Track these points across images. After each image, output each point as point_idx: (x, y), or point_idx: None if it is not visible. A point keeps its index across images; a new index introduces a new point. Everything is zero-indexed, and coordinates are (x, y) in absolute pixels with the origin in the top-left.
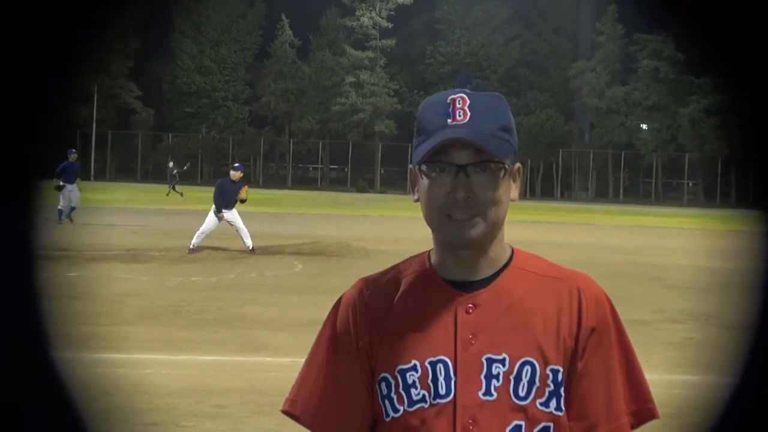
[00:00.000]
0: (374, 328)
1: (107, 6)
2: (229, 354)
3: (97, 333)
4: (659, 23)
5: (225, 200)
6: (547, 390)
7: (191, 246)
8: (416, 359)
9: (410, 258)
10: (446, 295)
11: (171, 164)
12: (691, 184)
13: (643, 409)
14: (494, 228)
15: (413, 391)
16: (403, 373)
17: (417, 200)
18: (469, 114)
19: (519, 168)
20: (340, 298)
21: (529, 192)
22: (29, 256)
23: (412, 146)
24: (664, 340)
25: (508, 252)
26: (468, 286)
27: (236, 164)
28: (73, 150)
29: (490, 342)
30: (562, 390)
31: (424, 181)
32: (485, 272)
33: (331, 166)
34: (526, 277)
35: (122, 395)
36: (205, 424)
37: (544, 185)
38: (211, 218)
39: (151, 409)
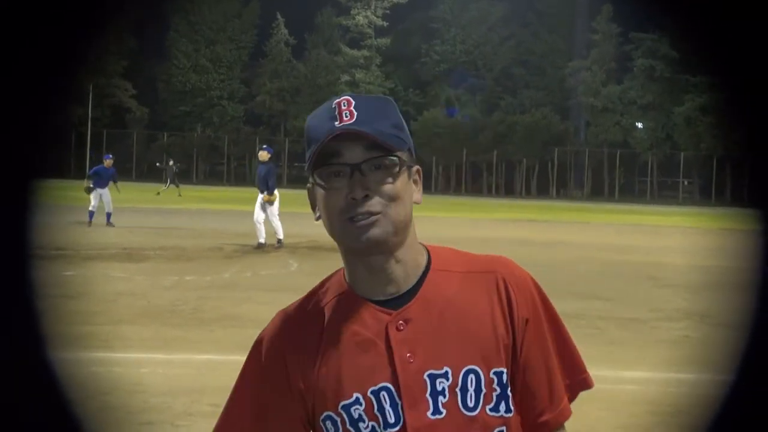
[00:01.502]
0: (306, 366)
1: (105, 5)
2: (224, 353)
3: (93, 332)
4: (654, 22)
5: (261, 182)
6: (494, 394)
7: (277, 241)
8: (357, 392)
9: (326, 280)
10: (373, 316)
11: (171, 162)
12: (686, 183)
13: (577, 381)
14: (398, 227)
15: (362, 425)
16: (347, 408)
17: (318, 218)
18: (356, 114)
19: (418, 170)
20: (260, 337)
21: (525, 190)
22: (26, 256)
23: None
24: (660, 339)
25: (425, 255)
26: (393, 303)
27: (265, 145)
28: (110, 155)
29: (430, 356)
30: (508, 391)
31: (321, 192)
32: (405, 282)
33: None
34: (449, 278)
35: (118, 394)
36: (201, 424)
37: (539, 184)
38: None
39: (146, 408)
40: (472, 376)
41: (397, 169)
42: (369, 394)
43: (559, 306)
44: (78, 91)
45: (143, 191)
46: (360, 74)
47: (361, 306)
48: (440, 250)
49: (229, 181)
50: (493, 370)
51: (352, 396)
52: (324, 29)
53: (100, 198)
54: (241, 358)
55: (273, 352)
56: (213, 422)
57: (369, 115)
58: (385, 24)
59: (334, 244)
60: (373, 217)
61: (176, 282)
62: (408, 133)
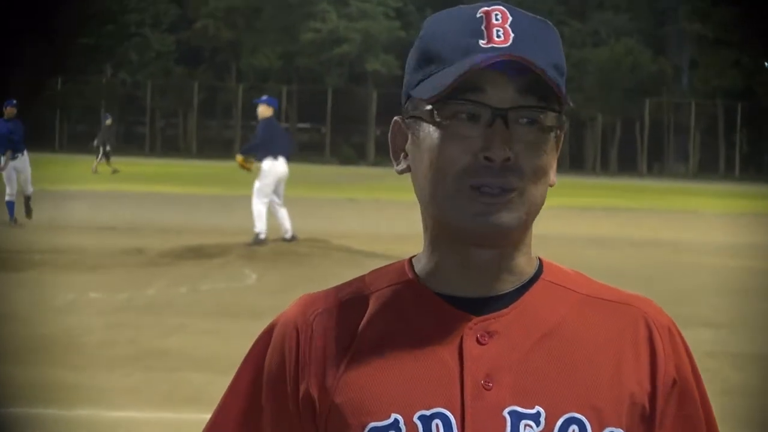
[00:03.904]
0: (327, 368)
1: None
2: (147, 408)
3: None
4: None
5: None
6: None
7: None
8: (398, 412)
9: (377, 270)
10: (445, 316)
11: (108, 121)
12: None
13: None
14: (532, 215)
15: None
16: None
17: (404, 170)
18: (512, 35)
19: (562, 136)
20: (275, 320)
21: (600, 163)
22: None
23: (405, 86)
24: None
25: (535, 261)
26: (478, 306)
27: (265, 96)
28: (13, 101)
29: (517, 388)
30: None
31: (432, 133)
32: (502, 286)
33: (300, 125)
34: (564, 296)
35: None
36: None
37: (622, 154)
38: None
39: None
40: (574, 428)
41: (556, 132)
42: (416, 419)
43: None
44: None
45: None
46: None
47: (430, 300)
48: (558, 265)
49: (153, 149)
50: (607, 430)
51: (388, 416)
52: None
53: (16, 174)
54: (172, 416)
55: (280, 350)
56: None
57: (529, 42)
58: None
59: (311, 244)
60: (509, 196)
61: (75, 301)
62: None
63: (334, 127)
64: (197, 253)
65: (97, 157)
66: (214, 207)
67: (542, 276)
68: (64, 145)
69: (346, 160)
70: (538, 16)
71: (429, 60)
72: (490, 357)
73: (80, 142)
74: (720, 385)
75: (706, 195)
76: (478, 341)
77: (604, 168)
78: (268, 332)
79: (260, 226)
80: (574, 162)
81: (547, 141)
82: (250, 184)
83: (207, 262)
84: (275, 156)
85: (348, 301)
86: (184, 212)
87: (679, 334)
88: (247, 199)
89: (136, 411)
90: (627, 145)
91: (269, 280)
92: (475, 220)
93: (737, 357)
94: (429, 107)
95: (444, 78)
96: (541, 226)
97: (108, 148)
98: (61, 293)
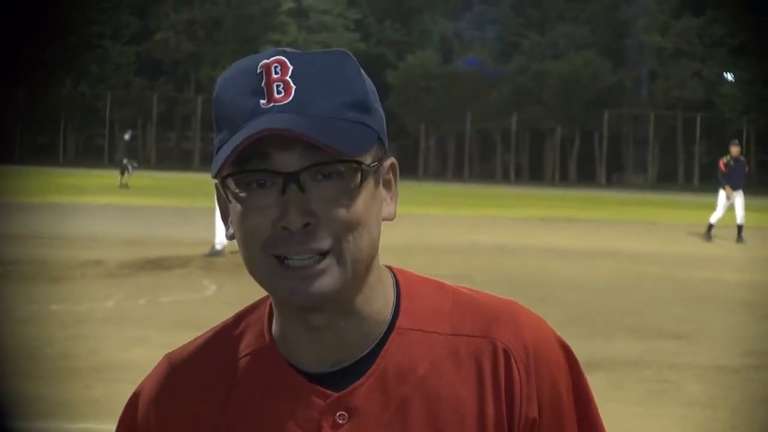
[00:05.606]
0: None
1: None
2: (107, 420)
3: None
4: None
5: None
6: None
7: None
8: None
9: (245, 313)
10: (302, 398)
11: (126, 136)
12: None
13: None
14: (359, 268)
15: None
16: None
17: (232, 236)
18: (294, 88)
19: (393, 165)
20: (138, 390)
21: (559, 174)
22: None
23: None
24: (761, 396)
25: (391, 298)
26: (335, 378)
27: None
28: None
29: None
30: None
31: (235, 206)
32: (358, 347)
33: None
34: (423, 345)
35: None
36: None
37: (581, 165)
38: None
39: None
40: None
41: (359, 179)
42: None
43: (611, 349)
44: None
45: None
46: None
47: (286, 379)
48: (416, 287)
49: (112, 161)
50: None
51: None
52: None
53: None
54: None
55: (150, 415)
56: None
57: (314, 89)
58: None
59: None
60: (322, 263)
61: (35, 313)
62: (379, 108)
63: None
64: (157, 265)
65: (121, 173)
66: (173, 219)
67: (398, 322)
68: (24, 157)
69: None
70: (330, 50)
71: (221, 126)
72: None
73: (40, 154)
74: (682, 396)
75: (665, 206)
76: (335, 424)
77: (563, 179)
78: (133, 408)
79: (221, 237)
80: (533, 173)
81: (353, 190)
82: (209, 196)
83: (166, 274)
84: None
85: (212, 371)
86: (143, 224)
87: (551, 351)
88: (207, 211)
89: (97, 423)
90: (586, 156)
91: (228, 292)
92: (293, 296)
93: (699, 368)
94: (224, 181)
95: (224, 155)
96: (499, 237)
97: (135, 163)
98: (22, 305)
